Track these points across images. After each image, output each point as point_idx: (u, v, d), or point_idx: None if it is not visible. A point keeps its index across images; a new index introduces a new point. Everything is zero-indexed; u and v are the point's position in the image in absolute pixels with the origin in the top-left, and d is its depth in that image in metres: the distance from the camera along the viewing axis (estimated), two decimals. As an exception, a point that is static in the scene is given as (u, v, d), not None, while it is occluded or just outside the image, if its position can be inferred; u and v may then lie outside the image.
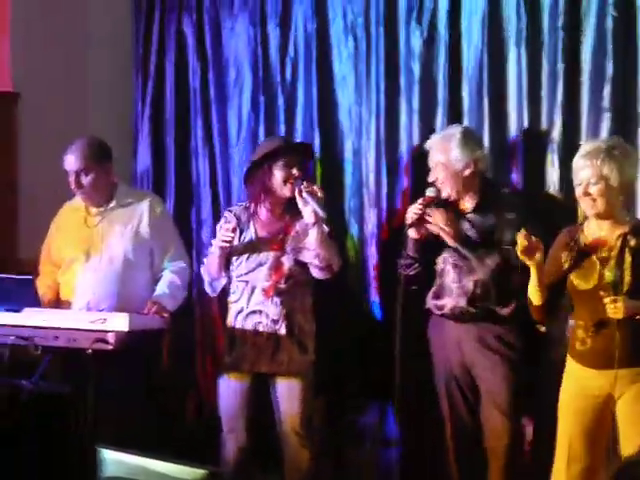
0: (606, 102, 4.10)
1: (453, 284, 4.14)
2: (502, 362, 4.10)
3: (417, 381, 4.36)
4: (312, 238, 4.20)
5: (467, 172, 4.10)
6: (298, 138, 4.93)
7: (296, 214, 4.25)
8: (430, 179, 4.10)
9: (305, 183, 4.24)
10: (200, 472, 2.73)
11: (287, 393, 4.29)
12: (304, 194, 4.20)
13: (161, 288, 4.41)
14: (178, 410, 5.16)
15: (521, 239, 3.53)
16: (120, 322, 3.90)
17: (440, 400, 4.26)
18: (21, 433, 4.03)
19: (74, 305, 4.38)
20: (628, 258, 3.57)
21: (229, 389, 4.35)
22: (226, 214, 4.50)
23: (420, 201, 4.06)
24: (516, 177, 4.36)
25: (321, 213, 4.18)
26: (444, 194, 4.09)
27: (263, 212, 4.39)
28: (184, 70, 5.33)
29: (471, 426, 4.21)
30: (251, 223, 4.39)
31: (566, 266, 3.68)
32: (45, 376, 4.18)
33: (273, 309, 4.26)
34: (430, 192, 4.09)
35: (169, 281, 4.43)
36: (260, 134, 5.07)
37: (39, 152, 5.09)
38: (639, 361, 3.56)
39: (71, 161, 4.37)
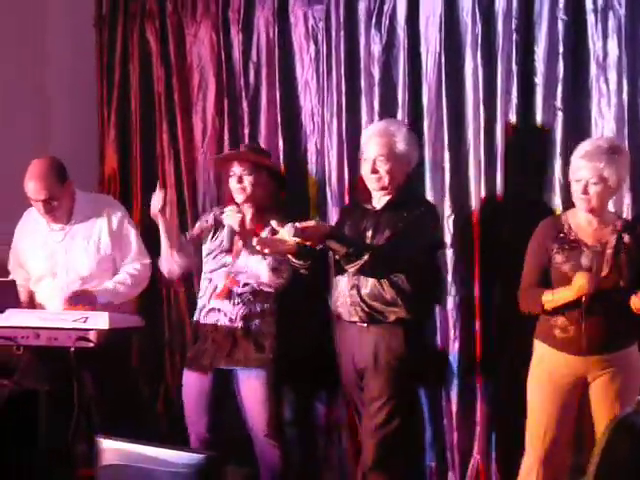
0: (559, 102, 4.23)
1: (345, 289, 4.14)
2: (389, 367, 4.08)
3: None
4: (262, 273, 4.25)
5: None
6: (262, 141, 4.94)
7: (267, 221, 4.22)
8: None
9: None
10: (198, 456, 2.78)
11: (251, 393, 4.30)
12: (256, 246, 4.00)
13: (106, 283, 4.49)
14: (149, 405, 5.23)
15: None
16: (101, 320, 3.97)
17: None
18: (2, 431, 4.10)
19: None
20: (623, 255, 3.72)
21: (191, 383, 4.39)
22: (207, 214, 4.60)
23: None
24: (476, 175, 4.43)
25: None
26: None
27: None
28: (149, 76, 5.33)
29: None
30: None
31: (557, 257, 3.81)
32: (25, 375, 4.29)
33: (231, 308, 4.30)
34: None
35: (116, 278, 4.51)
36: (225, 137, 5.09)
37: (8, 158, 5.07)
38: (612, 348, 3.74)
39: (37, 190, 4.36)
